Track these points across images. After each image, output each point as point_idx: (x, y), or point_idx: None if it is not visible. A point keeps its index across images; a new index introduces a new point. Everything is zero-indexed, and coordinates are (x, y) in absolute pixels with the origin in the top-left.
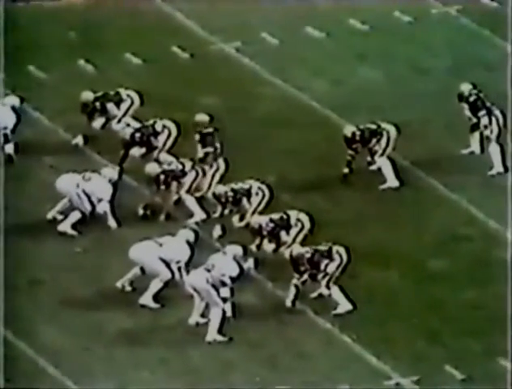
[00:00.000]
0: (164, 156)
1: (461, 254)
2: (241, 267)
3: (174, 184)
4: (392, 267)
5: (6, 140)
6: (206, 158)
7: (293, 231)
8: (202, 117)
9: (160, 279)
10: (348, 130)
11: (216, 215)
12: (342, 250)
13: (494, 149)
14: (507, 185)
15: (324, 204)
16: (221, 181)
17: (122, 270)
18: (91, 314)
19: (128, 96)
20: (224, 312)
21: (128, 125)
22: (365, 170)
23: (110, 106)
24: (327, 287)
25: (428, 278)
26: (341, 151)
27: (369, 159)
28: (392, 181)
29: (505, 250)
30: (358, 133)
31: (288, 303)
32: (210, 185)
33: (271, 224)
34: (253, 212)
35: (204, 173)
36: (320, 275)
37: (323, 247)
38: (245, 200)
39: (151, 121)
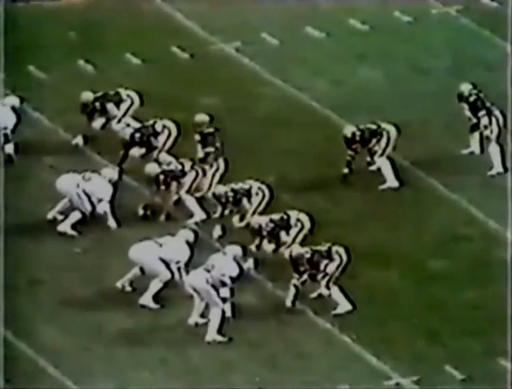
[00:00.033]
0: (163, 156)
1: (461, 254)
2: (240, 267)
3: (174, 184)
4: (392, 267)
5: (6, 140)
6: (207, 158)
7: (293, 231)
8: (202, 118)
9: (159, 279)
10: (348, 130)
11: (216, 215)
12: (342, 250)
13: (494, 149)
14: (507, 186)
15: (324, 204)
16: (221, 181)
17: (122, 270)
18: (91, 314)
19: (128, 96)
20: (223, 312)
21: (128, 125)
22: (365, 170)
23: (110, 106)
24: (327, 287)
25: (428, 278)
26: (341, 152)
27: (368, 159)
28: (392, 182)
29: (505, 250)
30: (358, 133)
31: (288, 303)
32: (210, 185)
33: (271, 225)
34: (254, 212)
35: (204, 173)
36: (320, 276)
37: (323, 247)
38: (245, 200)
39: (151, 122)
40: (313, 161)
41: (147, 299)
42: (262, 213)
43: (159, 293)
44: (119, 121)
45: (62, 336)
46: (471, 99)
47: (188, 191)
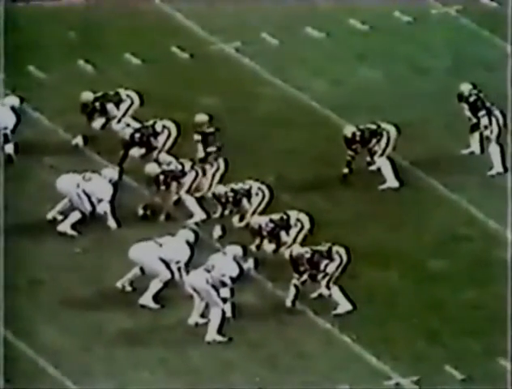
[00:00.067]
0: (163, 157)
1: (461, 254)
2: (240, 267)
3: (174, 184)
4: (392, 267)
5: (6, 140)
6: (208, 158)
7: (293, 231)
8: (202, 118)
9: (159, 279)
10: (348, 130)
11: (216, 215)
12: (342, 250)
13: (494, 149)
14: (507, 186)
15: (324, 204)
16: (221, 181)
17: (122, 270)
18: (91, 314)
19: (128, 96)
20: (223, 312)
21: (128, 125)
22: (365, 170)
23: (110, 106)
24: (327, 287)
25: (428, 278)
26: (341, 152)
27: (368, 159)
28: (392, 182)
29: (505, 250)
30: (358, 133)
31: (288, 303)
32: (210, 184)
33: (271, 225)
34: (253, 213)
35: (204, 173)
36: (320, 276)
37: (323, 247)
38: (245, 200)
39: (150, 122)
40: (313, 161)
41: (147, 299)
42: (261, 213)
43: (159, 293)
44: (119, 121)
45: (62, 336)
46: (471, 99)
47: (188, 191)
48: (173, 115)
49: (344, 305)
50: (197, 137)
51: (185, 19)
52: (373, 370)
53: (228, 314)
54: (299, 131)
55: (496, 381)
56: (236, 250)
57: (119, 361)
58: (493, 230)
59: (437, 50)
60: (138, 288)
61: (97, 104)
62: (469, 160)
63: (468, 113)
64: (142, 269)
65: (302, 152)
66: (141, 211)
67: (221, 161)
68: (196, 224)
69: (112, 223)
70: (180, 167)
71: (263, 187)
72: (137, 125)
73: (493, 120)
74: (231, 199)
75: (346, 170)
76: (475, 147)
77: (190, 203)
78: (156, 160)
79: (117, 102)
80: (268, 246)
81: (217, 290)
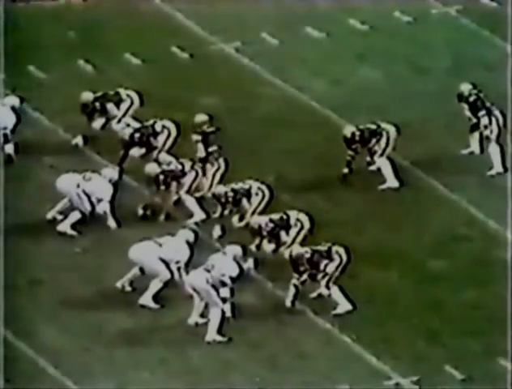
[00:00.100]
0: (163, 157)
1: (461, 254)
2: (240, 267)
3: (174, 184)
4: (392, 267)
5: (6, 140)
6: (209, 157)
7: (293, 231)
8: (202, 118)
9: (159, 279)
10: (348, 130)
11: (216, 215)
12: (341, 250)
13: (494, 149)
14: (507, 186)
15: (324, 204)
16: (221, 181)
17: (122, 270)
18: (91, 314)
19: (128, 96)
20: (223, 312)
21: (128, 125)
22: (365, 170)
23: (110, 106)
24: (327, 287)
25: (428, 278)
26: (341, 151)
27: (368, 159)
28: (392, 182)
29: (505, 250)
30: (358, 133)
31: (288, 303)
32: (211, 184)
33: (271, 225)
34: (253, 212)
35: (204, 173)
36: (320, 276)
37: (323, 247)
38: (244, 200)
39: (150, 122)
40: (313, 161)
41: (146, 299)
42: (261, 213)
43: (159, 293)
44: (119, 121)
45: (62, 336)
46: (471, 99)
47: (188, 191)
48: (173, 115)
49: (344, 305)
50: (196, 137)
51: (185, 19)
52: (373, 370)
53: (228, 314)
54: (299, 131)
55: (496, 381)
56: (236, 249)
57: (119, 361)
58: (493, 230)
59: (437, 50)
60: (138, 288)
61: (97, 104)
62: (469, 160)
63: (468, 113)
64: (142, 269)
65: (302, 152)
66: (141, 211)
67: (221, 161)
68: (196, 224)
69: (112, 223)
70: (180, 167)
71: (263, 187)
72: (137, 125)
73: (493, 120)
74: (231, 199)
75: (346, 170)
76: (474, 147)
77: (190, 202)
78: (156, 160)
79: (117, 102)
80: (268, 246)
81: (217, 290)
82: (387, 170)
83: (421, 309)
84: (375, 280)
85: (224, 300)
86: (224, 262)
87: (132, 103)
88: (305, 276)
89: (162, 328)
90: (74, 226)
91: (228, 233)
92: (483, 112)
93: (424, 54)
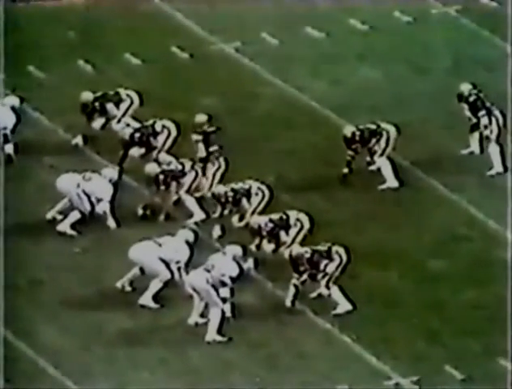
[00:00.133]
0: (163, 156)
1: (461, 254)
2: (240, 267)
3: (174, 184)
4: (392, 267)
5: (6, 140)
6: (210, 157)
7: (293, 231)
8: (202, 118)
9: (159, 279)
10: (348, 130)
11: (216, 215)
12: (341, 250)
13: (494, 149)
14: (507, 186)
15: (323, 204)
16: (221, 181)
17: (122, 270)
18: (91, 314)
19: (127, 96)
20: (223, 312)
21: (128, 125)
22: (365, 170)
23: (110, 106)
24: (327, 287)
25: (428, 278)
26: (341, 151)
27: (368, 159)
28: (392, 182)
29: (505, 250)
30: (358, 133)
31: (288, 303)
32: (211, 183)
33: (271, 224)
34: (253, 212)
35: (204, 173)
36: (319, 275)
37: (323, 247)
38: (244, 200)
39: (150, 122)
40: (312, 161)
41: (146, 299)
42: (261, 213)
43: (159, 293)
44: (119, 121)
45: (62, 336)
46: (471, 99)
47: (188, 191)
48: (173, 115)
49: (344, 305)
50: (196, 137)
51: (185, 18)
52: (373, 370)
53: (228, 314)
54: (299, 131)
55: (496, 381)
56: (236, 249)
57: (119, 361)
58: (493, 230)
59: (437, 50)
60: (138, 288)
61: (97, 104)
62: (469, 160)
63: (468, 113)
64: (141, 269)
65: (302, 152)
66: (141, 211)
67: (222, 160)
68: (196, 223)
69: (111, 223)
70: (180, 167)
71: (263, 187)
72: (137, 125)
73: (493, 120)
74: (230, 199)
75: (346, 170)
76: (474, 147)
77: (190, 202)
78: (156, 160)
79: (117, 102)
80: (268, 246)
81: (217, 290)
82: (387, 170)
83: (421, 309)
84: (375, 280)
85: (223, 300)
86: (224, 262)
87: (132, 103)
88: (304, 276)
89: (162, 328)
90: (73, 226)
91: (228, 233)
92: (483, 112)
93: (424, 54)
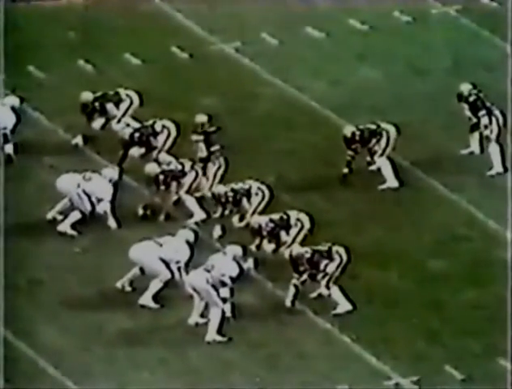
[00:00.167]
0: (163, 156)
1: (461, 255)
2: (240, 267)
3: (174, 184)
4: (392, 267)
5: (6, 140)
6: (211, 156)
7: (293, 231)
8: (203, 117)
9: (159, 279)
10: (348, 130)
11: (216, 215)
12: (341, 250)
13: (494, 149)
14: (507, 186)
15: (324, 204)
16: (221, 181)
17: (122, 270)
18: (91, 314)
19: (127, 96)
20: (223, 312)
21: (128, 125)
22: (365, 170)
23: (110, 106)
24: (327, 287)
25: (428, 278)
26: (341, 152)
27: (368, 159)
28: (392, 182)
29: (505, 250)
30: (358, 133)
31: (288, 303)
32: (212, 182)
33: (271, 225)
34: (253, 212)
35: (204, 173)
36: (320, 275)
37: (323, 247)
38: (244, 200)
39: (150, 122)
40: (312, 161)
41: (146, 299)
42: (261, 213)
43: (159, 293)
44: (119, 121)
45: (62, 336)
46: (471, 99)
47: (188, 191)
48: (173, 115)
49: (344, 305)
50: (196, 137)
51: (184, 19)
52: (373, 370)
53: (228, 314)
54: (299, 131)
55: (496, 381)
56: (236, 249)
57: (119, 361)
58: (493, 230)
59: (437, 50)
60: (138, 288)
61: (97, 104)
62: (469, 160)
63: (468, 113)
64: (142, 269)
65: (302, 152)
66: (141, 211)
67: (222, 160)
68: (196, 224)
69: (112, 223)
70: (180, 167)
71: (263, 187)
72: (137, 125)
73: (493, 120)
74: (231, 199)
75: (346, 170)
76: (474, 147)
77: (190, 202)
78: (156, 160)
79: (117, 102)
80: (268, 246)
81: (217, 290)
82: (387, 170)
83: (421, 309)
84: (375, 280)
85: (224, 300)
86: (224, 262)
87: (132, 103)
88: (305, 276)
89: (162, 328)
90: (74, 226)
91: (228, 233)
92: (483, 112)
93: (424, 54)
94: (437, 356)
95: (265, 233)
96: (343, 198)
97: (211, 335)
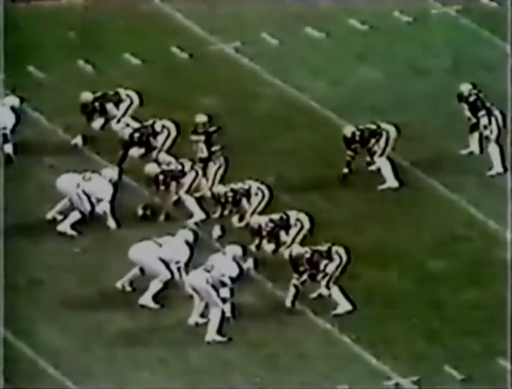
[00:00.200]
0: (163, 157)
1: (460, 255)
2: (240, 267)
3: (173, 184)
4: (392, 267)
5: (6, 140)
6: (212, 156)
7: (293, 231)
8: (203, 118)
9: (159, 279)
10: (348, 130)
11: (216, 215)
12: (341, 251)
13: (493, 149)
14: (506, 186)
15: (323, 204)
16: (221, 181)
17: (122, 270)
18: (91, 315)
19: (127, 96)
20: (223, 312)
21: (127, 125)
22: (365, 170)
23: (109, 106)
24: (327, 287)
25: (428, 278)
26: (340, 152)
27: (368, 159)
28: (391, 182)
29: (505, 250)
30: (357, 133)
31: (288, 303)
32: (213, 182)
33: (271, 225)
34: (253, 212)
35: (204, 173)
36: (319, 276)
37: (323, 247)
38: (244, 200)
39: (150, 122)
40: (312, 161)
41: (146, 299)
42: (261, 213)
43: (159, 293)
44: (118, 121)
45: (62, 336)
46: (471, 99)
47: (187, 191)
48: (173, 115)
49: (344, 305)
50: (196, 137)
51: (184, 19)
52: (373, 370)
53: (228, 314)
54: (299, 131)
55: (496, 381)
56: (236, 250)
57: (119, 361)
58: (493, 230)
59: (437, 50)
60: (138, 288)
61: (97, 104)
62: (468, 160)
63: (468, 113)
64: (141, 269)
65: (302, 152)
66: (140, 211)
67: (222, 159)
68: (196, 224)
69: (111, 223)
70: (179, 167)
71: (263, 187)
72: (136, 125)
73: (493, 120)
74: (230, 199)
75: (346, 170)
76: (474, 147)
77: (190, 203)
78: (156, 160)
79: (117, 102)
80: (268, 246)
81: (217, 290)
82: (387, 170)
83: (421, 309)
84: (375, 280)
85: (223, 300)
86: (224, 263)
87: (131, 103)
88: (304, 276)
89: (162, 328)
90: (73, 226)
91: (227, 233)
92: (483, 112)
93: (424, 54)
94: (437, 356)
95: (265, 233)
96: (343, 198)
97: (211, 335)
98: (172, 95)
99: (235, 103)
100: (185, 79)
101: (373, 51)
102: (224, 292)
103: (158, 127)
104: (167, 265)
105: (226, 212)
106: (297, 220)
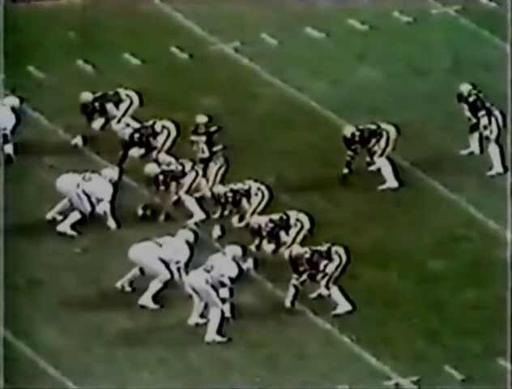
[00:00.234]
0: (163, 157)
1: (460, 255)
2: (240, 267)
3: (173, 184)
4: (392, 267)
5: (6, 140)
6: (213, 156)
7: (293, 231)
8: (203, 119)
9: (159, 279)
10: (348, 130)
11: (216, 215)
12: (341, 251)
13: (493, 149)
14: (506, 186)
15: (323, 205)
16: (221, 181)
17: (122, 270)
18: (91, 315)
19: (127, 96)
20: (223, 312)
21: (127, 125)
22: (365, 171)
23: (109, 106)
24: (327, 287)
25: (428, 278)
26: (340, 152)
27: (368, 159)
28: (391, 182)
29: (505, 250)
30: (357, 133)
31: (288, 303)
32: (214, 181)
33: (271, 225)
34: (253, 213)
35: (205, 174)
36: (319, 276)
37: (322, 247)
38: (244, 201)
39: (150, 122)
40: (312, 161)
41: (146, 299)
42: (261, 213)
43: (158, 293)
44: (118, 121)
45: (62, 336)
46: (471, 99)
47: (187, 191)
48: (173, 115)
49: (344, 306)
50: (197, 138)
51: (184, 19)
52: (373, 370)
53: (228, 314)
54: (299, 131)
55: (496, 381)
56: (236, 250)
57: (119, 361)
58: (493, 230)
59: (436, 50)
60: (138, 289)
61: (97, 104)
62: (468, 161)
63: (468, 113)
64: (141, 269)
65: (302, 152)
66: (140, 212)
67: (223, 159)
68: (196, 224)
69: (111, 223)
70: (179, 167)
71: (263, 187)
72: (136, 125)
73: (493, 120)
74: (230, 199)
75: (346, 170)
76: (474, 147)
77: (190, 203)
78: (156, 160)
79: (117, 102)
80: (268, 246)
81: (216, 290)
82: (387, 170)
83: (421, 309)
84: (375, 280)
85: (223, 300)
86: (224, 263)
87: (131, 103)
88: (304, 276)
89: (162, 328)
90: (73, 226)
91: (227, 233)
92: (483, 112)
93: (424, 54)
94: (437, 356)
95: (264, 234)
96: (343, 198)
97: (211, 335)
98: (172, 95)
99: (235, 103)
100: (185, 79)
101: (373, 51)
102: (224, 293)
103: (158, 127)
104: (167, 265)
105: (226, 212)
106: (297, 220)
